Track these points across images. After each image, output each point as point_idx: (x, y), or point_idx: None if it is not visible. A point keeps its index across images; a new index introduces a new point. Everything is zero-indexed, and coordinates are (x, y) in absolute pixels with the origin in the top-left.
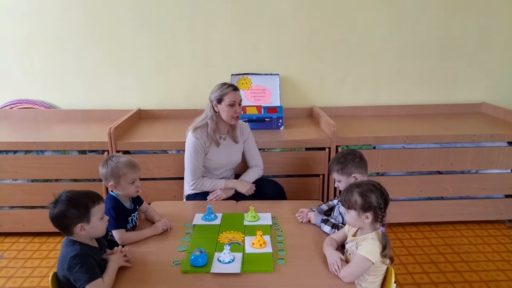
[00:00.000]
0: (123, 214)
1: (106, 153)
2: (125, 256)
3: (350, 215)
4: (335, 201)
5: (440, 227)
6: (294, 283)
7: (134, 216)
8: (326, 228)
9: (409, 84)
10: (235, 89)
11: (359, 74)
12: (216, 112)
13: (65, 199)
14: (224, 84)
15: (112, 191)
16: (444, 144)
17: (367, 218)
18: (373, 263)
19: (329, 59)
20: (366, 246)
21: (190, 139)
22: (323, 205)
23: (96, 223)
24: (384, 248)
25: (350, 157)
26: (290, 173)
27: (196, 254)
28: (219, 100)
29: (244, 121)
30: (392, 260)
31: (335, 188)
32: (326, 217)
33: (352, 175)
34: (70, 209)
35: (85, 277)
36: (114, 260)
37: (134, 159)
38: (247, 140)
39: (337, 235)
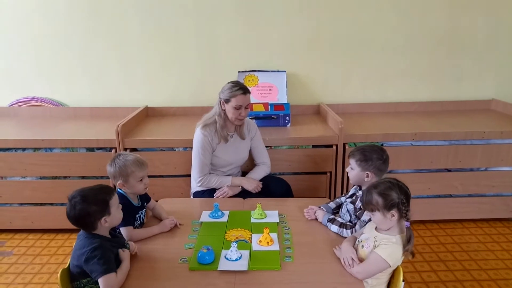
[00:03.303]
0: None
1: (113, 150)
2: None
3: (376, 217)
4: (343, 199)
5: (449, 225)
6: (301, 280)
7: (141, 213)
8: (334, 228)
9: (417, 81)
10: (245, 92)
11: (366, 71)
12: (224, 110)
13: (83, 198)
14: (236, 85)
15: (120, 189)
16: (453, 141)
17: (393, 216)
18: (390, 266)
19: (336, 56)
20: (388, 249)
21: (198, 136)
22: (331, 203)
23: (115, 213)
24: (408, 241)
25: (376, 156)
26: (297, 170)
27: (203, 251)
28: (227, 100)
29: (251, 118)
30: (413, 254)
31: (342, 186)
32: (333, 216)
33: (366, 172)
34: (92, 206)
35: (101, 268)
36: (129, 259)
37: (141, 157)
38: (254, 137)
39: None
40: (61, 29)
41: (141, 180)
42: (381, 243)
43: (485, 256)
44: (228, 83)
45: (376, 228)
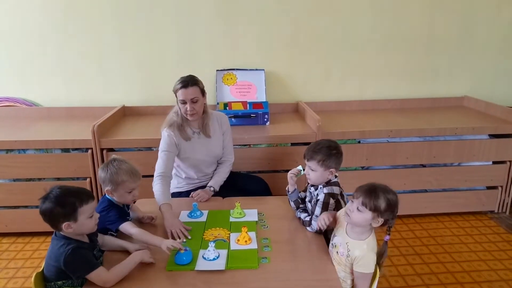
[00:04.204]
0: (123, 211)
1: (90, 151)
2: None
3: (364, 216)
4: (307, 198)
5: (424, 219)
6: (279, 279)
7: (129, 218)
8: (300, 215)
9: (394, 79)
10: (185, 86)
11: (345, 69)
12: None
13: (54, 197)
14: (180, 78)
15: (107, 195)
16: (427, 137)
17: (377, 222)
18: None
19: (315, 54)
20: (365, 262)
21: (164, 136)
22: (302, 192)
23: (84, 222)
24: (381, 255)
25: (335, 152)
26: (276, 168)
27: (181, 252)
28: (176, 96)
29: (230, 117)
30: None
31: None
32: (304, 207)
33: (330, 170)
34: (57, 207)
35: (86, 267)
36: (137, 254)
37: (136, 168)
38: (225, 133)
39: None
40: (34, 26)
41: (130, 191)
42: (355, 254)
43: (459, 249)
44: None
45: (346, 231)
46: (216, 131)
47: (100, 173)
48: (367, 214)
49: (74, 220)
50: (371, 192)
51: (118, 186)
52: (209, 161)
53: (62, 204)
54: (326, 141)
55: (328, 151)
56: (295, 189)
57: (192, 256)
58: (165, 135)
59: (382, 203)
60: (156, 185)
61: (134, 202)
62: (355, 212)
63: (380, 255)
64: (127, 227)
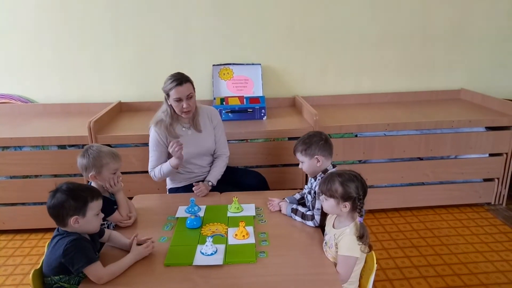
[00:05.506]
0: (110, 202)
1: None
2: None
3: (329, 203)
4: (305, 190)
5: (421, 212)
6: (277, 273)
7: (115, 207)
8: (298, 218)
9: (391, 72)
10: (181, 83)
11: (342, 63)
12: (170, 104)
13: (66, 189)
14: (171, 77)
15: (90, 182)
16: (424, 130)
17: (345, 207)
18: (358, 257)
19: (311, 48)
20: (345, 244)
21: (151, 134)
22: (297, 194)
23: (91, 219)
24: (362, 237)
25: (315, 139)
26: (274, 163)
27: (192, 218)
28: (168, 95)
29: (227, 112)
30: (370, 248)
31: None
32: (295, 207)
33: (315, 157)
34: (69, 200)
35: (85, 259)
36: (134, 252)
37: (114, 150)
38: (216, 127)
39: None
40: (30, 23)
41: (114, 172)
42: (339, 239)
43: (456, 241)
44: (168, 76)
45: (333, 225)
46: (206, 126)
47: (81, 161)
48: (330, 201)
49: (83, 215)
50: (325, 180)
51: (102, 168)
52: (201, 153)
53: (74, 197)
54: (311, 131)
55: (308, 140)
56: (289, 204)
57: (201, 222)
58: (151, 133)
59: (337, 188)
60: (156, 170)
61: (116, 185)
62: (323, 202)
63: (361, 237)
64: (116, 219)
